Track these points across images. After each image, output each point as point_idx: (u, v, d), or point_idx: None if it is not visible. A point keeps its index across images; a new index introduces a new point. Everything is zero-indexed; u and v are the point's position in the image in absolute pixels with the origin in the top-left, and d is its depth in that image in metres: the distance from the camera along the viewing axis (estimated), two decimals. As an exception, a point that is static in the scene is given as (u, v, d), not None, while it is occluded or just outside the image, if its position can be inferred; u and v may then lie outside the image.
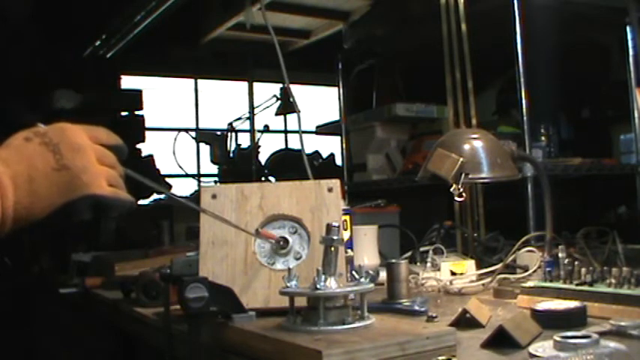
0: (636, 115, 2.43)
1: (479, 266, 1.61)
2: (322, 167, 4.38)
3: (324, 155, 4.67)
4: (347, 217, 1.49)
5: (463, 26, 2.26)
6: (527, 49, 2.10)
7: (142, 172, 0.90)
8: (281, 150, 4.88)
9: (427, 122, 3.02)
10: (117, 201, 0.81)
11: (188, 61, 4.79)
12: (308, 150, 4.18)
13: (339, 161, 4.18)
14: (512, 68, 2.12)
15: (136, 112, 4.03)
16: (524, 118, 2.10)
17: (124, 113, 3.96)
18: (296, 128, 1.99)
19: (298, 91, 4.72)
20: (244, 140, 4.46)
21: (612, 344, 0.81)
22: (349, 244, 1.50)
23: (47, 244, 2.59)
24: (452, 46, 2.27)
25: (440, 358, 0.87)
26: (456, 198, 1.51)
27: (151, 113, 4.29)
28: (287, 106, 4.02)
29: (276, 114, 4.29)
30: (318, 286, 0.97)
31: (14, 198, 0.74)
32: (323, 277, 0.98)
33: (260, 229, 1.20)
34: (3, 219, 0.73)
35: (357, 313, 1.01)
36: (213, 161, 4.30)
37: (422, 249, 1.77)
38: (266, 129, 4.40)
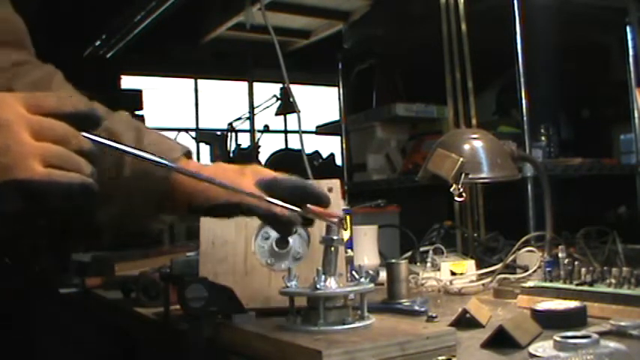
0: (636, 115, 2.43)
1: (479, 266, 1.61)
2: (322, 167, 4.39)
3: (324, 155, 4.67)
4: (347, 217, 1.49)
5: (463, 26, 2.26)
6: (527, 49, 2.10)
7: None
8: (281, 150, 4.89)
9: (427, 122, 3.02)
10: (51, 185, 0.66)
11: (188, 61, 4.80)
12: (308, 150, 4.18)
13: (339, 161, 4.19)
14: (512, 68, 2.13)
15: (136, 112, 4.04)
16: (524, 118, 2.11)
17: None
18: (296, 128, 2.00)
19: (298, 91, 4.72)
20: (244, 140, 4.47)
21: (612, 344, 0.81)
22: (349, 244, 1.50)
23: (47, 244, 2.58)
24: (452, 46, 2.27)
25: (440, 358, 0.87)
26: (456, 198, 1.51)
27: (151, 113, 4.30)
28: (287, 106, 4.03)
29: (276, 114, 4.30)
30: (318, 286, 0.97)
31: None
32: (323, 277, 0.98)
33: (310, 206, 0.96)
34: None
35: (357, 313, 1.01)
36: (213, 161, 4.30)
37: (422, 249, 1.76)
38: (266, 129, 4.41)
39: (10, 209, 0.66)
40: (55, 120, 0.68)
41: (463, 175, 1.49)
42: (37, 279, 2.43)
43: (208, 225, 1.22)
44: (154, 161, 0.80)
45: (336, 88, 3.35)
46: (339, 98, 3.33)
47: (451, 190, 1.50)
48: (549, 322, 0.98)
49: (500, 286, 1.39)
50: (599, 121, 3.27)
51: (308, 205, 0.96)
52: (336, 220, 0.98)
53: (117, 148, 0.75)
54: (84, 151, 0.69)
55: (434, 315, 1.09)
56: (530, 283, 1.23)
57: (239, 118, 4.32)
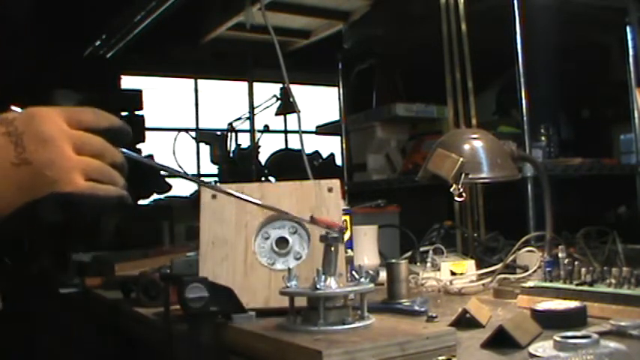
0: (636, 115, 2.43)
1: (479, 266, 1.61)
2: (322, 167, 4.38)
3: (324, 155, 4.67)
4: (347, 217, 1.49)
5: (463, 26, 2.26)
6: (527, 49, 2.10)
7: (143, 172, 0.86)
8: (281, 150, 4.88)
9: (427, 122, 3.02)
10: (93, 198, 0.69)
11: (188, 61, 4.80)
12: (308, 150, 4.18)
13: (339, 161, 4.18)
14: (512, 68, 2.12)
15: (136, 112, 4.04)
16: (524, 118, 2.11)
17: (124, 113, 3.96)
18: (296, 128, 1.99)
19: (298, 91, 4.72)
20: (244, 140, 4.46)
21: (612, 344, 0.81)
22: (349, 244, 1.50)
23: (47, 244, 2.58)
24: (452, 46, 2.27)
25: (440, 358, 0.87)
26: (456, 198, 1.51)
27: (151, 113, 4.29)
28: (287, 106, 4.02)
29: (276, 114, 4.29)
30: (318, 286, 0.97)
31: None
32: (323, 277, 0.98)
33: (315, 216, 1.04)
34: None
35: (357, 313, 1.01)
36: (213, 161, 4.30)
37: (422, 249, 1.77)
38: (266, 129, 4.40)
39: (50, 219, 0.69)
40: (93, 135, 0.72)
41: (463, 175, 1.49)
42: (37, 279, 2.43)
43: (208, 225, 1.22)
44: (183, 176, 0.82)
45: (336, 88, 3.35)
46: (339, 98, 3.33)
47: (451, 190, 1.50)
48: (549, 322, 0.98)
49: (500, 286, 1.39)
50: (599, 121, 3.27)
51: (312, 215, 1.01)
52: (337, 229, 1.01)
53: (148, 163, 0.80)
54: (117, 164, 0.73)
55: (434, 315, 1.09)
56: (530, 283, 1.23)
57: (239, 118, 4.31)
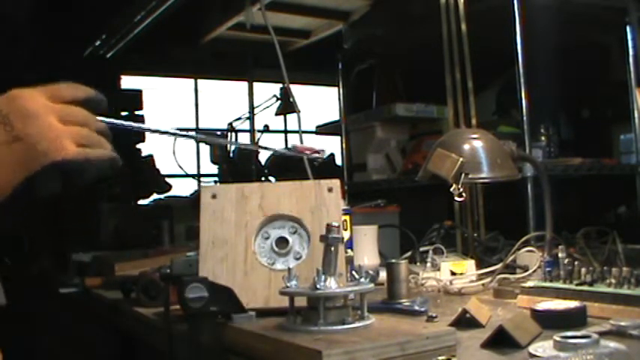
0: (636, 115, 2.43)
1: (479, 266, 1.61)
2: (322, 167, 4.37)
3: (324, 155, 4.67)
4: (347, 217, 1.50)
5: (463, 26, 2.26)
6: (527, 49, 2.10)
7: (143, 172, 0.86)
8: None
9: (427, 122, 3.02)
10: (87, 162, 0.72)
11: (188, 61, 4.79)
12: (308, 150, 4.16)
13: (339, 161, 4.18)
14: (512, 68, 2.12)
15: (136, 112, 4.04)
16: (524, 118, 2.10)
17: (124, 113, 3.96)
18: (296, 128, 2.00)
19: (298, 91, 4.71)
20: (244, 140, 4.46)
21: (612, 344, 0.81)
22: (349, 244, 1.50)
23: (47, 244, 2.59)
24: (452, 46, 2.27)
25: (440, 358, 0.87)
26: (456, 198, 1.51)
27: (151, 113, 4.29)
28: (287, 106, 4.01)
29: (276, 114, 4.29)
30: (318, 286, 0.97)
31: None
32: (323, 277, 0.98)
33: (297, 144, 1.06)
34: None
35: (357, 313, 1.01)
36: (213, 161, 4.30)
37: (422, 249, 1.77)
38: (266, 129, 4.40)
39: (50, 191, 0.72)
40: (74, 106, 0.75)
41: (463, 175, 1.49)
42: (37, 279, 2.43)
43: (208, 225, 1.22)
44: (176, 134, 0.84)
45: (336, 88, 3.35)
46: (339, 98, 3.33)
47: (451, 190, 1.51)
48: (549, 322, 0.98)
49: (500, 286, 1.39)
50: (599, 121, 3.27)
51: (295, 144, 1.03)
52: (319, 154, 1.01)
53: (127, 126, 0.85)
54: (101, 131, 0.77)
55: (434, 315, 1.09)
56: (530, 283, 1.23)
57: (239, 118, 4.30)
